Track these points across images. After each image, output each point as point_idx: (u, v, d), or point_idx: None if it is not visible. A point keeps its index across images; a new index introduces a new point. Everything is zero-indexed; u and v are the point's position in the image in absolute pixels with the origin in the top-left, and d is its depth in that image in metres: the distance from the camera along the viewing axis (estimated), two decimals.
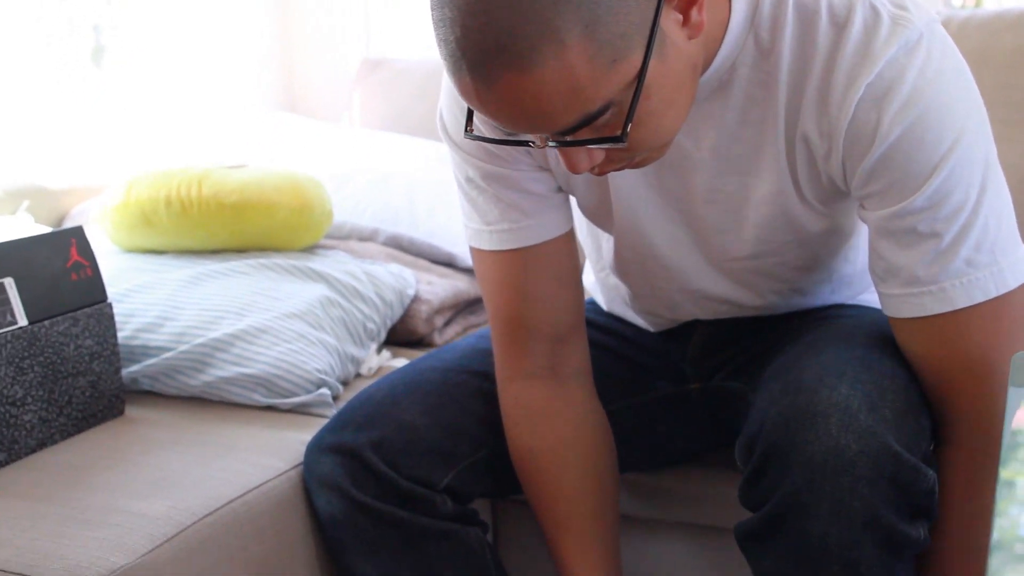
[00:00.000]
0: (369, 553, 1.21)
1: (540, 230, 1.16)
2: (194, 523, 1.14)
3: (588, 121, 0.85)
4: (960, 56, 0.98)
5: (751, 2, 0.97)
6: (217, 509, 1.17)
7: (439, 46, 0.84)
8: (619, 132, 0.86)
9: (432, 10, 0.84)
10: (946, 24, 1.90)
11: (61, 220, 2.00)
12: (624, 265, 1.24)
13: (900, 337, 1.04)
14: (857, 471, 0.93)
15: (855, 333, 1.09)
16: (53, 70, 2.27)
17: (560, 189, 1.17)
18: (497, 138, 0.91)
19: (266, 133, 2.18)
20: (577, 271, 1.21)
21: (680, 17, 0.87)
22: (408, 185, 1.92)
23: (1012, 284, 0.98)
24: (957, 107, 0.95)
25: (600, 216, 1.20)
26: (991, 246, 0.97)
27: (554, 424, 1.20)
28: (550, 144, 0.88)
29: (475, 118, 0.96)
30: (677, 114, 0.92)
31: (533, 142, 0.88)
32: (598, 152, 0.90)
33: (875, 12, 0.95)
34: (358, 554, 1.21)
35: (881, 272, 1.01)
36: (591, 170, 0.92)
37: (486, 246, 1.17)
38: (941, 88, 0.94)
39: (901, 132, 0.93)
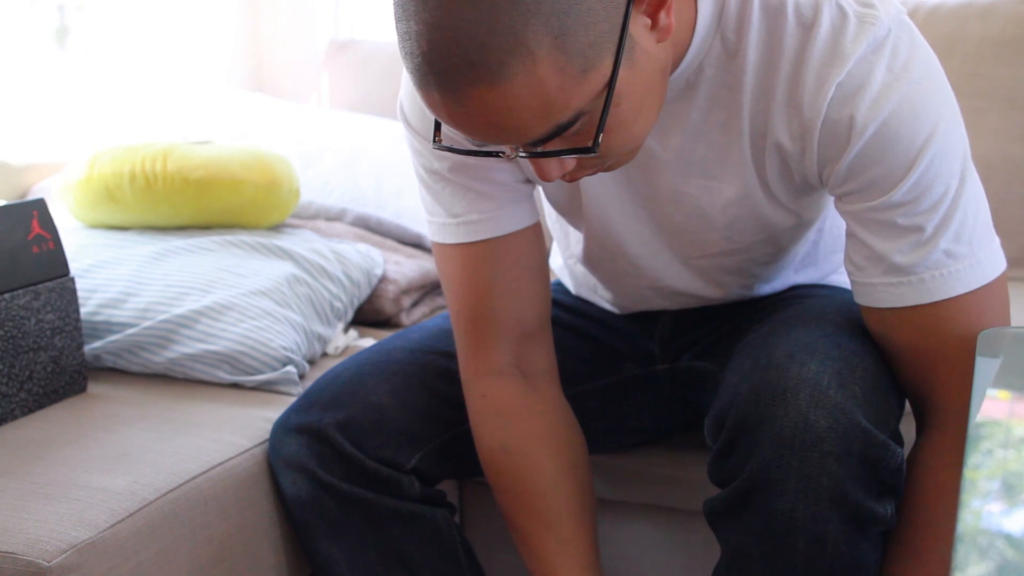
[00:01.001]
0: (335, 534, 1.20)
1: (508, 220, 1.14)
2: (157, 499, 1.12)
3: (559, 132, 0.84)
4: (930, 49, 0.98)
5: (717, 2, 0.97)
6: (180, 485, 1.15)
7: (404, 59, 0.82)
8: (590, 142, 0.85)
9: (396, 22, 0.82)
10: (914, 12, 1.91)
11: (23, 196, 1.97)
12: (593, 259, 1.24)
13: (875, 326, 1.04)
14: (826, 447, 0.93)
15: (825, 312, 1.09)
16: (16, 49, 2.24)
17: (527, 180, 1.16)
18: (466, 148, 0.90)
19: (234, 112, 2.15)
20: (545, 265, 1.20)
21: (648, 21, 0.86)
22: (376, 166, 1.91)
23: (991, 275, 0.99)
24: (930, 100, 0.95)
25: (570, 212, 1.19)
26: (969, 237, 0.97)
27: (526, 421, 1.18)
28: (520, 155, 0.87)
29: (443, 127, 0.94)
30: (647, 119, 0.92)
31: (503, 152, 0.87)
32: (569, 160, 0.90)
33: (842, 11, 0.94)
34: (324, 535, 1.20)
35: (860, 261, 1.01)
36: (562, 177, 0.91)
37: (451, 239, 1.15)
38: (912, 82, 0.94)
39: (876, 128, 0.93)
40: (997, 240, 1.01)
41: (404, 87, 1.12)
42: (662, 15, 0.86)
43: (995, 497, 0.67)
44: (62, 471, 1.15)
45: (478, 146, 0.88)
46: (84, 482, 1.12)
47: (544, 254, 1.20)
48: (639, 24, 0.85)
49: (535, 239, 1.18)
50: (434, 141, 0.93)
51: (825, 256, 1.23)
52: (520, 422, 1.18)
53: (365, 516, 1.20)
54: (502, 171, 1.12)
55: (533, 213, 1.17)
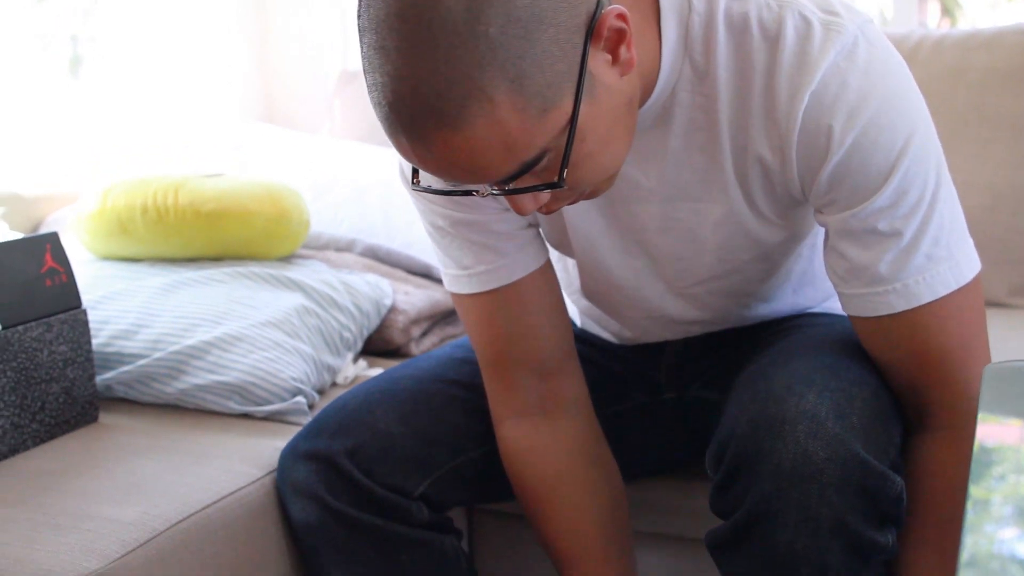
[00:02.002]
0: (343, 561, 1.21)
1: (516, 267, 1.16)
2: (167, 529, 1.13)
3: (526, 169, 0.86)
4: (897, 53, 0.99)
5: (680, 26, 0.97)
6: (190, 515, 1.16)
7: (375, 109, 0.85)
8: (556, 177, 0.87)
9: (364, 74, 0.84)
10: (920, 44, 1.92)
11: (36, 227, 1.99)
12: (590, 293, 1.25)
13: (865, 336, 1.06)
14: (824, 478, 0.94)
15: (824, 341, 1.10)
16: (30, 80, 2.26)
17: (530, 224, 1.17)
18: (442, 189, 0.92)
19: (244, 144, 2.17)
20: (559, 301, 1.21)
21: (609, 57, 0.87)
22: (385, 196, 1.92)
23: (968, 276, 1.01)
24: (904, 104, 0.96)
25: (563, 247, 1.21)
26: (947, 239, 0.99)
27: (543, 460, 1.21)
28: (492, 192, 0.88)
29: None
30: (617, 149, 0.93)
31: (476, 191, 0.89)
32: (543, 194, 0.91)
33: (805, 20, 0.95)
34: (332, 562, 1.21)
35: (843, 273, 1.02)
36: (539, 210, 0.93)
37: (465, 290, 1.17)
38: (887, 87, 0.95)
39: (855, 138, 0.94)
40: (971, 241, 1.03)
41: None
42: (622, 50, 0.88)
43: (1008, 523, 0.67)
44: (73, 502, 1.16)
45: (453, 186, 0.90)
46: (95, 513, 1.13)
47: (558, 290, 1.22)
48: (599, 60, 0.86)
49: (546, 279, 1.19)
50: (412, 183, 0.95)
51: (822, 275, 1.24)
52: (537, 462, 1.21)
53: (374, 542, 1.20)
54: (502, 222, 1.14)
55: (541, 254, 1.19)
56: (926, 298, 1.00)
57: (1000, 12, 3.64)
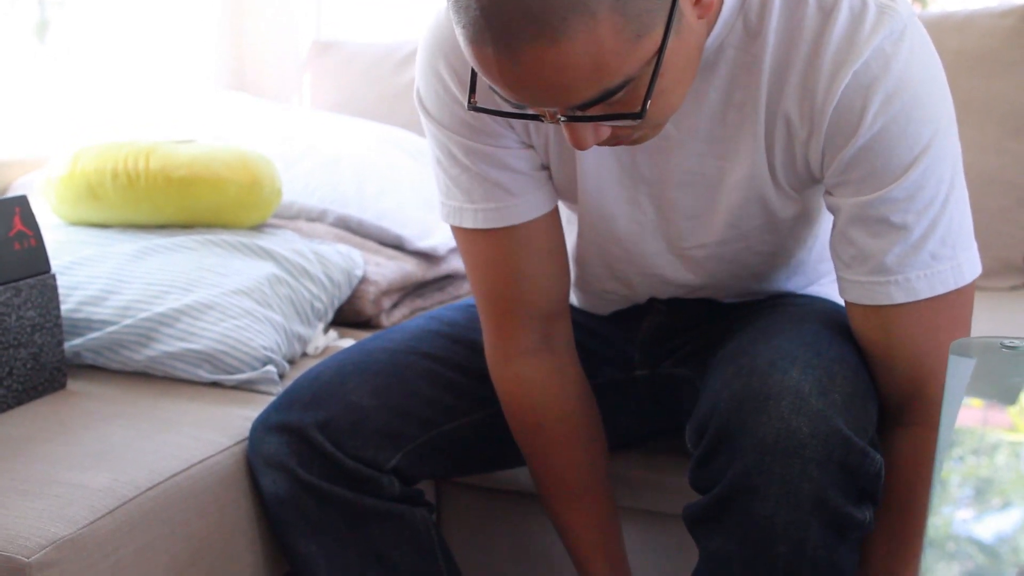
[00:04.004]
0: (314, 533, 1.21)
1: (526, 208, 1.15)
2: (136, 496, 1.12)
3: (606, 96, 0.84)
4: (936, 53, 1.00)
5: None
6: (160, 483, 1.16)
7: (457, 14, 0.82)
8: (636, 108, 0.86)
9: None
10: None
11: (3, 191, 1.97)
12: (585, 244, 1.24)
13: (859, 323, 1.07)
14: (807, 453, 0.95)
15: (806, 319, 1.11)
16: None
17: (544, 167, 1.16)
18: (505, 111, 0.89)
19: (215, 112, 2.15)
20: (563, 245, 1.21)
21: None
22: (358, 167, 1.91)
23: (968, 278, 1.03)
24: (936, 102, 0.98)
25: (568, 194, 1.20)
26: (953, 240, 1.01)
27: (558, 396, 1.22)
28: (560, 119, 0.87)
29: (478, 90, 0.94)
30: (683, 91, 0.93)
31: (543, 116, 0.87)
32: (604, 128, 0.90)
33: (863, 0, 0.97)
34: (302, 534, 1.21)
35: (848, 259, 1.03)
36: (599, 143, 0.92)
37: (470, 224, 1.15)
38: (924, 82, 0.96)
39: (884, 123, 0.96)
40: (975, 245, 1.04)
41: (419, 74, 1.12)
42: None
43: (966, 503, 0.68)
44: (41, 468, 1.15)
45: (518, 108, 0.88)
46: (64, 479, 1.12)
47: (562, 237, 1.21)
48: (688, 12, 0.87)
49: (553, 223, 1.19)
50: (469, 103, 0.92)
51: (814, 264, 1.25)
52: (552, 400, 1.22)
53: (344, 515, 1.20)
54: (519, 159, 1.13)
55: (551, 198, 1.18)
56: (924, 294, 1.01)
57: None
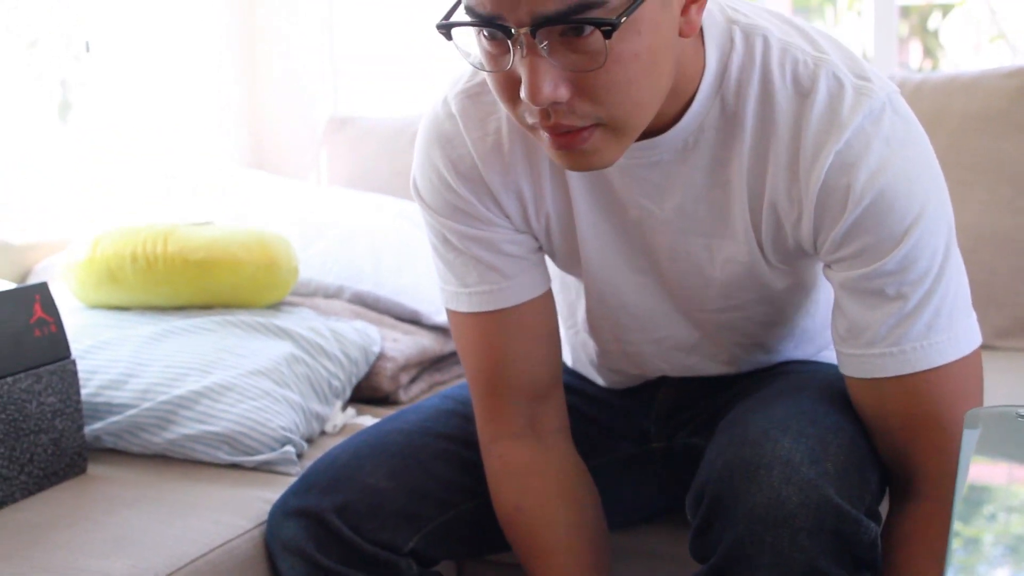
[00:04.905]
0: None
1: (518, 291, 1.16)
2: None
3: (579, 11, 0.84)
4: (920, 126, 1.01)
5: (720, 67, 1.01)
6: (179, 568, 1.16)
7: None
8: (601, 62, 0.86)
9: None
10: (901, 86, 1.94)
11: (25, 276, 2.00)
12: (595, 318, 1.25)
13: (857, 396, 1.07)
14: (797, 522, 0.95)
15: (805, 387, 1.12)
16: (19, 124, 2.27)
17: (539, 249, 1.18)
18: (469, 21, 0.89)
19: (233, 190, 2.18)
20: (555, 329, 1.22)
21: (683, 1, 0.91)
22: (374, 243, 1.93)
23: (966, 350, 1.02)
24: (923, 175, 0.99)
25: (572, 266, 1.21)
26: (949, 312, 1.00)
27: (539, 481, 1.21)
28: (526, 31, 0.86)
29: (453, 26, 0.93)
30: (651, 94, 0.93)
31: (511, 31, 0.86)
32: (563, 86, 0.89)
33: (839, 82, 0.98)
34: None
35: (843, 332, 1.04)
36: (545, 120, 0.91)
37: (464, 308, 1.17)
38: (907, 156, 0.97)
39: (872, 199, 0.96)
40: (974, 316, 1.04)
41: (416, 163, 1.16)
42: (693, 8, 0.91)
43: (1000, 562, 0.68)
44: (61, 555, 1.16)
45: (487, 18, 0.87)
46: (83, 566, 1.13)
47: (555, 319, 1.22)
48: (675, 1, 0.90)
49: (546, 307, 1.20)
50: (440, 22, 0.92)
51: (820, 331, 1.25)
52: (532, 483, 1.20)
53: None
54: (512, 243, 1.15)
55: (544, 281, 1.19)
56: (920, 366, 1.01)
57: (982, 54, 3.69)
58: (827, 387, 1.11)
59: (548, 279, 1.20)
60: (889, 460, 1.07)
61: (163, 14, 2.47)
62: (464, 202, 1.12)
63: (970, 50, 3.76)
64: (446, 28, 0.92)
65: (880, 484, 1.06)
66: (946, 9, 3.82)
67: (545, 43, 0.87)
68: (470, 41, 0.96)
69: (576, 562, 1.19)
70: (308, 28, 2.65)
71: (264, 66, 2.69)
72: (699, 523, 1.02)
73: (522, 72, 0.89)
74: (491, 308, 1.16)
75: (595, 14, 0.85)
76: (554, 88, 0.88)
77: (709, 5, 1.00)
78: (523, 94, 0.89)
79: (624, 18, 0.85)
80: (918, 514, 1.05)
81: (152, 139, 2.49)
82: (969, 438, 0.92)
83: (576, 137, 0.93)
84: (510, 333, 1.17)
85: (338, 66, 2.70)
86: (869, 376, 1.03)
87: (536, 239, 1.17)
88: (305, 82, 2.67)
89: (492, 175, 1.11)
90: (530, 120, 0.94)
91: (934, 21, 3.93)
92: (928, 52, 4.03)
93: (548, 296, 1.20)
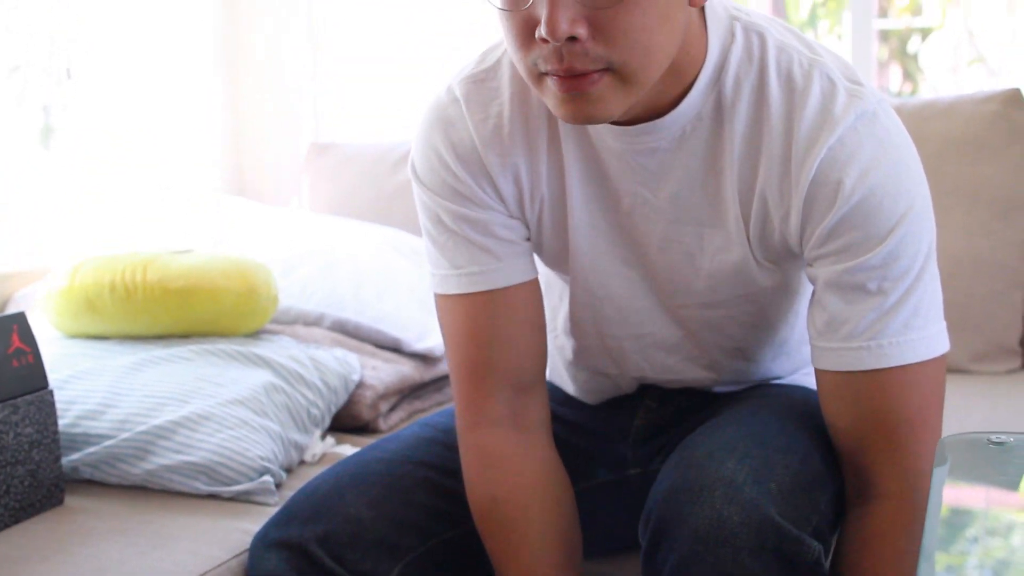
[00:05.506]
0: None
1: (509, 273, 1.17)
2: None
3: None
4: (907, 133, 1.05)
5: (720, 57, 1.04)
6: None
7: None
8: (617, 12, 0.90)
9: None
10: None
11: (4, 304, 1.99)
12: (578, 310, 1.25)
13: (827, 392, 1.08)
14: (739, 542, 0.97)
15: (762, 409, 1.14)
16: (0, 150, 2.27)
17: (528, 239, 1.19)
18: None
19: (215, 217, 2.19)
20: (542, 319, 1.22)
21: None
22: (354, 270, 1.93)
23: (938, 352, 1.05)
24: (911, 176, 1.02)
25: (560, 262, 1.22)
26: (926, 312, 1.03)
27: (516, 472, 1.20)
28: None
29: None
30: (661, 45, 0.96)
31: None
32: (581, 23, 0.92)
33: (831, 82, 1.02)
34: None
35: (821, 326, 1.06)
36: (558, 62, 0.94)
37: (454, 290, 1.18)
38: (897, 157, 1.01)
39: (861, 196, 0.99)
40: (944, 324, 1.07)
41: (416, 145, 1.17)
42: None
43: None
44: None
45: None
46: None
47: (542, 311, 1.22)
48: None
49: (534, 294, 1.20)
50: None
51: (797, 345, 1.26)
52: (511, 474, 1.20)
53: None
54: (505, 227, 1.16)
55: (532, 269, 1.20)
56: (895, 361, 1.03)
57: (960, 75, 3.71)
58: (787, 408, 1.13)
59: (536, 270, 1.21)
60: (851, 461, 1.09)
61: (145, 40, 2.47)
62: (461, 184, 1.14)
63: (948, 73, 3.79)
64: None
65: (832, 505, 1.07)
66: (925, 32, 3.85)
67: None
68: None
69: (549, 558, 1.19)
70: (290, 54, 2.66)
71: (246, 92, 2.70)
72: (647, 546, 1.04)
73: (542, 8, 0.92)
74: (481, 288, 1.16)
75: None
76: (572, 24, 0.92)
77: (713, 2, 1.04)
78: (541, 30, 0.93)
79: None
80: (883, 514, 1.07)
81: (133, 165, 2.49)
82: (940, 466, 0.93)
83: (584, 79, 0.95)
84: (498, 316, 1.18)
85: (319, 91, 2.71)
86: (845, 369, 1.05)
87: (528, 228, 1.18)
88: (286, 108, 2.67)
89: (491, 156, 1.13)
90: (542, 67, 0.96)
91: (913, 44, 3.96)
92: (908, 75, 4.06)
93: (536, 286, 1.21)
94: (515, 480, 1.20)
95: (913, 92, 4.03)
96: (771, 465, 1.02)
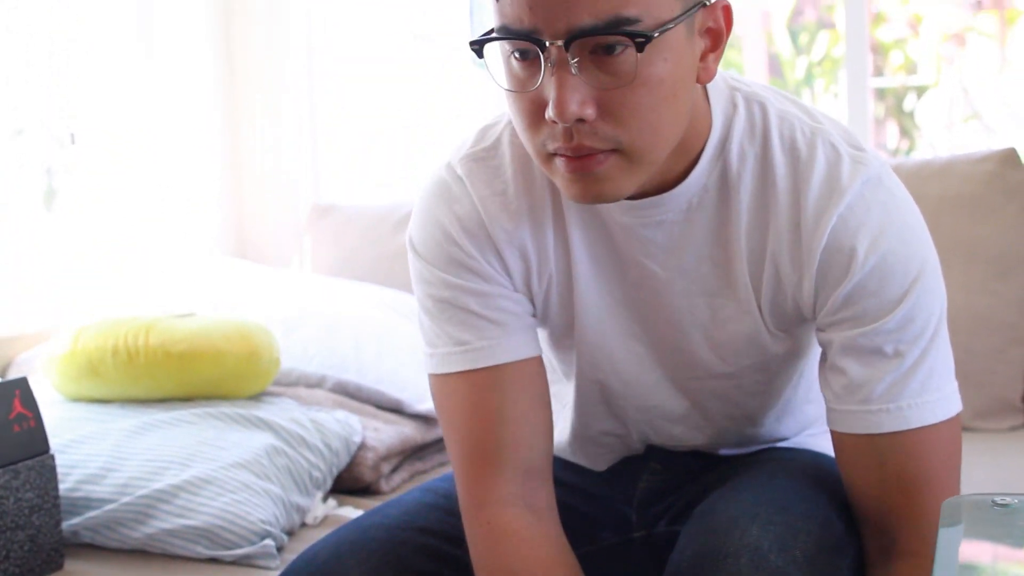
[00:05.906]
0: None
1: (515, 347, 1.14)
2: None
3: (614, 26, 0.89)
4: (909, 194, 1.06)
5: (724, 129, 1.04)
6: None
7: None
8: (630, 79, 0.91)
9: None
10: None
11: (6, 368, 1.99)
12: (582, 384, 1.24)
13: (846, 455, 1.08)
14: None
15: (778, 473, 1.13)
16: (3, 213, 2.28)
17: (533, 314, 1.17)
18: (504, 36, 0.93)
19: (216, 279, 2.20)
20: (547, 399, 1.19)
21: (705, 44, 0.95)
22: (356, 332, 1.94)
23: (953, 412, 1.05)
24: (920, 237, 1.03)
25: (564, 338, 1.21)
26: (940, 373, 1.04)
27: (533, 547, 1.17)
28: (559, 44, 0.90)
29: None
30: (669, 125, 0.96)
31: (544, 43, 0.90)
32: (590, 104, 0.92)
33: (835, 150, 1.02)
34: None
35: (838, 389, 1.05)
36: (567, 141, 0.94)
37: (456, 368, 1.14)
38: (904, 221, 1.02)
39: (876, 262, 1.00)
40: (956, 384, 1.07)
41: (416, 221, 1.15)
42: (711, 57, 0.95)
43: None
44: None
45: (519, 35, 0.92)
46: None
47: (548, 388, 1.19)
48: (696, 43, 0.95)
49: (539, 371, 1.18)
50: (472, 42, 0.96)
51: (801, 404, 1.26)
52: (527, 548, 1.16)
53: None
54: (509, 300, 1.14)
55: (538, 345, 1.18)
56: (914, 423, 1.03)
57: (956, 132, 3.75)
58: (801, 473, 1.12)
59: (540, 347, 1.19)
60: (872, 521, 1.08)
61: (147, 103, 2.50)
62: (468, 257, 1.12)
63: (944, 130, 3.83)
64: (479, 45, 0.96)
65: (852, 569, 1.06)
66: (920, 90, 3.90)
67: (576, 60, 0.91)
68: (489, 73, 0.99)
69: None
70: (289, 117, 2.69)
71: (247, 155, 2.72)
72: None
73: (550, 89, 0.92)
74: (487, 364, 1.13)
75: (628, 29, 0.90)
76: (581, 105, 0.92)
77: None
78: (550, 111, 0.92)
79: (656, 34, 0.90)
80: (905, 572, 1.06)
81: (136, 228, 2.50)
82: (947, 529, 0.93)
83: (592, 159, 0.96)
84: (505, 392, 1.14)
85: (320, 154, 2.73)
86: (865, 432, 1.04)
87: (533, 304, 1.17)
88: (287, 170, 2.69)
89: (498, 231, 1.12)
90: (550, 146, 0.96)
91: (909, 102, 4.00)
92: (904, 132, 4.10)
93: (541, 362, 1.19)
94: (533, 555, 1.17)
95: (910, 149, 4.06)
96: (794, 532, 1.01)
